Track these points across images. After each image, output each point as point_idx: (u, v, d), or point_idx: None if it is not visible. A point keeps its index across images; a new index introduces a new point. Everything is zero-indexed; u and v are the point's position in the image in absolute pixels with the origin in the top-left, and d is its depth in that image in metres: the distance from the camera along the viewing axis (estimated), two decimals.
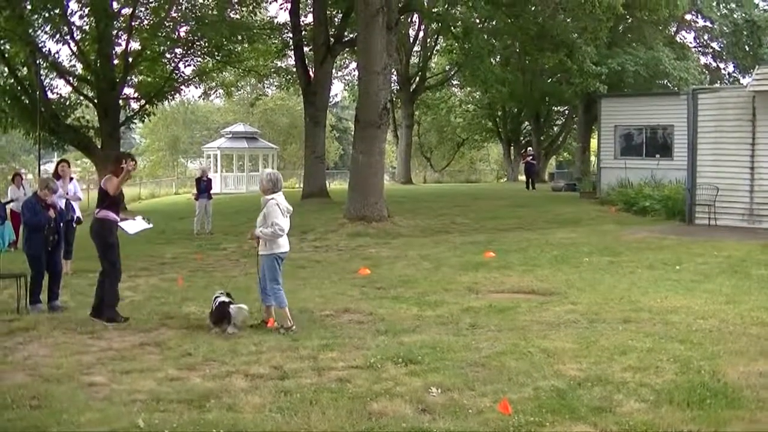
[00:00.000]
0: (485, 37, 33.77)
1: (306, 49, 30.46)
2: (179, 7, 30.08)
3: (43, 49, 28.54)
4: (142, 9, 29.62)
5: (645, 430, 5.16)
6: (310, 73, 29.57)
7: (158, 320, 8.91)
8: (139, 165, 46.35)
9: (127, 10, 28.87)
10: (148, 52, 29.87)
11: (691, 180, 18.24)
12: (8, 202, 15.82)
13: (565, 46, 27.63)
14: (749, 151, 17.27)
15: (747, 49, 39.65)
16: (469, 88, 48.61)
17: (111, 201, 9.06)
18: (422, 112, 51.55)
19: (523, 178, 38.85)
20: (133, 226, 9.50)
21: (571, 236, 16.36)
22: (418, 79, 44.14)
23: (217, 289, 9.17)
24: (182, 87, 34.12)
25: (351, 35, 29.13)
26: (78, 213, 12.79)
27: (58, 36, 28.19)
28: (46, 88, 29.30)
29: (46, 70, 29.25)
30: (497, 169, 61.14)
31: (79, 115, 30.71)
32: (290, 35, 30.97)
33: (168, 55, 31.36)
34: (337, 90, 61.31)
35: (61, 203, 10.86)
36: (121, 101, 30.04)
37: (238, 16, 30.80)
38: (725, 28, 39.61)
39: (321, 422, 5.40)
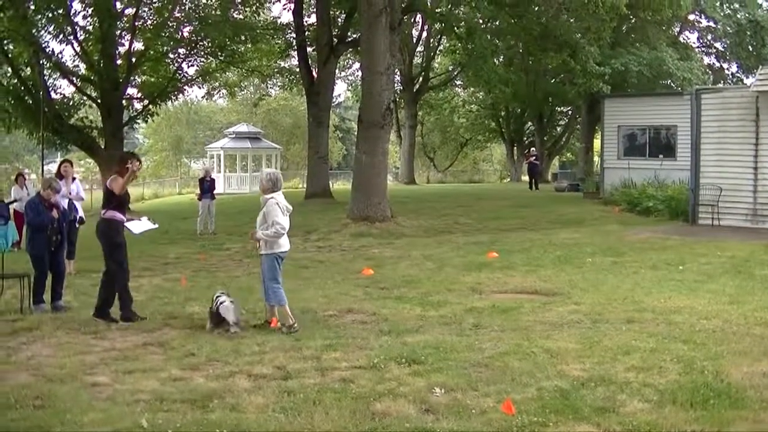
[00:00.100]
0: (488, 37, 33.79)
1: (309, 49, 30.46)
2: (182, 8, 30.14)
3: (47, 49, 28.69)
4: (146, 9, 29.67)
5: (648, 430, 5.15)
6: (314, 73, 29.52)
7: (161, 320, 8.92)
8: (143, 165, 46.33)
9: (130, 10, 28.94)
10: (152, 52, 29.90)
11: (695, 180, 18.21)
12: (11, 202, 15.88)
13: (568, 47, 27.58)
14: (752, 151, 17.24)
15: (750, 49, 39.66)
16: (472, 89, 48.57)
17: (118, 201, 9.07)
18: (425, 113, 51.53)
19: (526, 178, 38.80)
20: (139, 226, 9.51)
21: (574, 236, 16.34)
22: (421, 79, 44.18)
23: (218, 289, 9.17)
24: (185, 87, 34.21)
25: (354, 35, 29.10)
26: (81, 213, 12.81)
27: (61, 36, 28.30)
28: (50, 88, 29.39)
29: (49, 70, 29.34)
30: (500, 170, 61.09)
31: (82, 115, 30.79)
32: (293, 35, 30.96)
33: (171, 55, 31.43)
34: (341, 90, 61.49)
35: (64, 203, 10.88)
36: (124, 101, 30.15)
37: (241, 17, 30.81)
38: (728, 29, 39.58)
39: (324, 422, 5.39)
